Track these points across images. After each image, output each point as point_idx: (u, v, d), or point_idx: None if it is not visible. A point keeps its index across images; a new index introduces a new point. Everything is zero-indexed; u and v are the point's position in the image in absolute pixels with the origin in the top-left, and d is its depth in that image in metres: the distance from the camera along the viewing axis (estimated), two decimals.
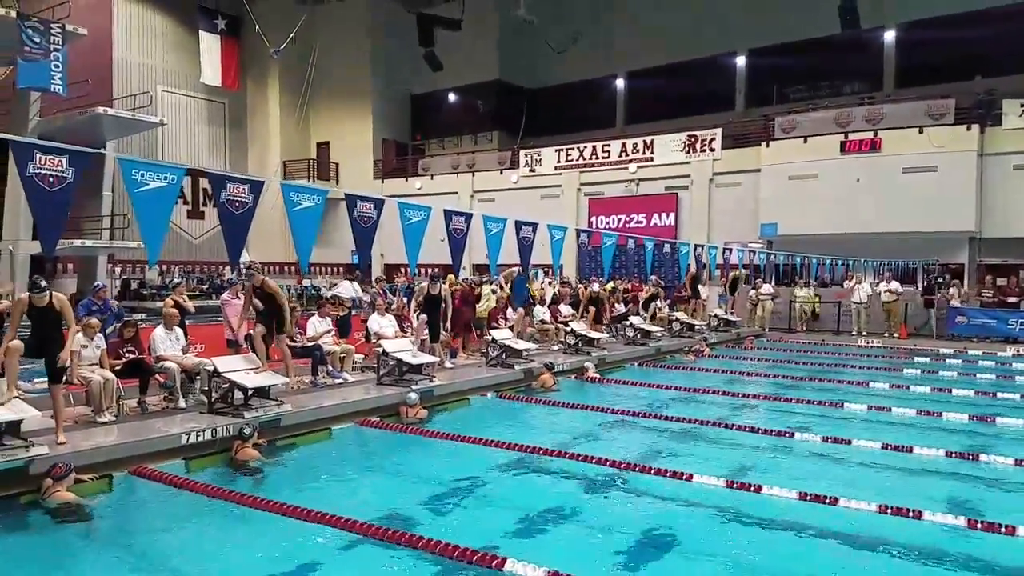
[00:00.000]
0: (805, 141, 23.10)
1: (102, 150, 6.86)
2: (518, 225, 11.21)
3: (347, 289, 14.33)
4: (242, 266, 9.57)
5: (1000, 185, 20.81)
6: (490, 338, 12.50)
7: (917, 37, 25.18)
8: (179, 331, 9.07)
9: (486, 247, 10.99)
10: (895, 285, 19.54)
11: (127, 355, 8.61)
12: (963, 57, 24.06)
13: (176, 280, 19.56)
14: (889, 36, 25.87)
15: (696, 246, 18.22)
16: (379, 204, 8.83)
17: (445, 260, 10.66)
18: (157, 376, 8.66)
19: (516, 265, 13.42)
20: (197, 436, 7.42)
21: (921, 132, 21.38)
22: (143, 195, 6.49)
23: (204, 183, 32.21)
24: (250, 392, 8.15)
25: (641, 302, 17.74)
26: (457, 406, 10.34)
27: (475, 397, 10.83)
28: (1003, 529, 5.56)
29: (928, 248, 21.52)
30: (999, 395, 11.53)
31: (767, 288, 21.33)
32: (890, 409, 10.24)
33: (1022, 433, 9.07)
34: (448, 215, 10.06)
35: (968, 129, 20.91)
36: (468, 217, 10.24)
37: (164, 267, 30.34)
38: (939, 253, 21.71)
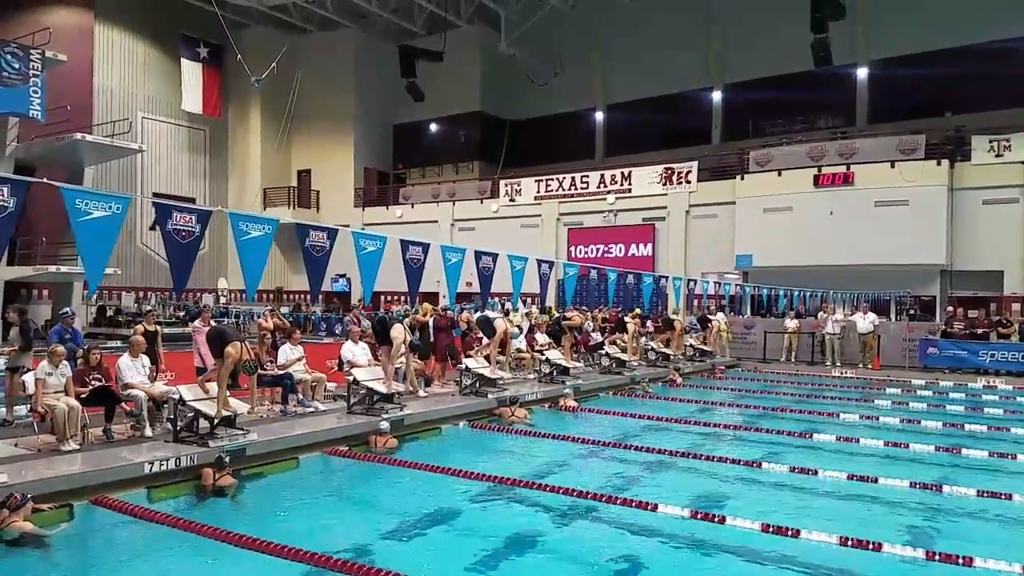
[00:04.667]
0: (779, 174, 23.46)
1: (44, 179, 6.68)
2: (478, 255, 11.12)
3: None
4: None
5: (970, 219, 21.19)
6: (463, 367, 12.48)
7: (889, 74, 25.77)
8: (145, 359, 9.02)
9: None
10: (872, 316, 19.74)
11: (94, 382, 8.53)
12: (933, 94, 24.75)
13: (148, 307, 19.39)
14: (862, 73, 26.44)
15: (660, 277, 18.27)
16: (332, 233, 8.77)
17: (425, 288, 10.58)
18: (124, 404, 8.58)
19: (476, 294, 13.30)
20: (161, 465, 7.34)
21: (893, 166, 21.79)
22: (85, 224, 6.45)
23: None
24: (215, 421, 8.09)
25: (609, 328, 17.85)
26: (429, 435, 10.30)
27: (447, 426, 10.79)
28: (960, 560, 5.60)
29: (900, 280, 21.83)
30: (967, 427, 11.62)
31: (719, 317, 21.44)
32: (859, 440, 10.30)
33: (986, 464, 9.16)
34: (405, 245, 9.98)
35: (938, 164, 21.34)
36: (426, 247, 10.19)
37: (140, 294, 30.16)
38: (911, 285, 22.03)
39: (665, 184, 26.22)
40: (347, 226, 9.23)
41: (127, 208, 6.74)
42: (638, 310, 18.96)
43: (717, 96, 29.38)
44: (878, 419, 12.24)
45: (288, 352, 10.80)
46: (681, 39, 28.91)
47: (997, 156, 20.86)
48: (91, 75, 26.95)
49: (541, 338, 15.57)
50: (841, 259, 22.08)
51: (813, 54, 21.97)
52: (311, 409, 10.38)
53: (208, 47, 31.55)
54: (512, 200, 29.62)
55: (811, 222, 22.51)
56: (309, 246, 8.48)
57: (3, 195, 5.92)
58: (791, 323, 21.26)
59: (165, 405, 8.68)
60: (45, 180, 6.42)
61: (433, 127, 35.01)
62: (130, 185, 29.73)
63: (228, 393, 8.37)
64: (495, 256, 11.31)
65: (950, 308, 20.68)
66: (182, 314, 26.14)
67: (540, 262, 12.64)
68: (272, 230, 7.98)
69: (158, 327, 10.30)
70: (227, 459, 7.42)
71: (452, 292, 10.33)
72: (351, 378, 10.41)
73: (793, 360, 20.76)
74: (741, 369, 19.91)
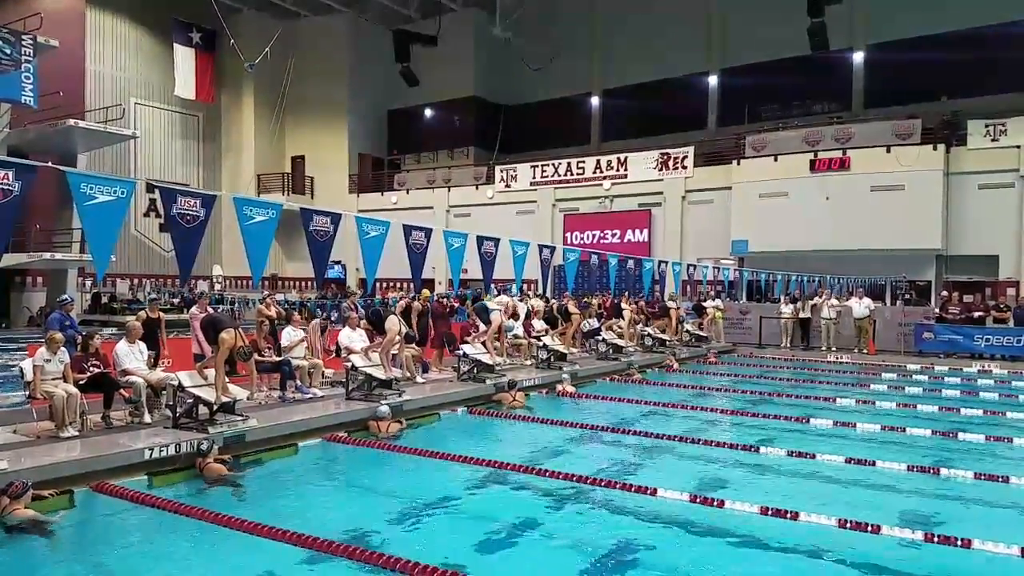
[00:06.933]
0: (775, 159, 23.45)
1: (48, 163, 6.70)
2: (480, 240, 11.08)
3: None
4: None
5: (966, 203, 21.26)
6: (461, 353, 12.48)
7: (885, 59, 25.72)
8: (142, 344, 8.99)
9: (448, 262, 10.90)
10: (868, 301, 19.80)
11: (92, 369, 8.50)
12: (929, 78, 24.67)
13: (153, 296, 19.27)
14: (858, 57, 26.40)
15: (660, 262, 18.27)
16: (336, 218, 8.73)
17: (425, 275, 10.57)
18: (122, 391, 8.56)
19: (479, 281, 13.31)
20: (160, 451, 7.33)
21: (889, 151, 21.81)
22: (92, 208, 6.43)
23: None
24: (215, 407, 8.08)
25: (605, 315, 17.85)
26: (427, 421, 10.31)
27: (445, 412, 10.80)
28: (959, 542, 5.64)
29: (896, 265, 21.90)
30: (963, 411, 11.69)
31: (714, 303, 21.50)
32: (855, 424, 10.35)
33: (982, 447, 9.23)
34: (408, 230, 9.93)
35: (934, 149, 21.37)
36: (428, 232, 10.17)
37: (135, 281, 30.09)
38: (907, 270, 22.08)
39: (661, 170, 26.20)
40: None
41: (132, 192, 6.72)
42: (627, 295, 18.97)
43: (713, 81, 29.32)
44: (874, 403, 12.30)
45: (291, 334, 10.83)
46: (677, 24, 28.84)
47: (993, 141, 20.90)
48: (83, 60, 26.71)
49: (538, 324, 15.56)
50: (837, 244, 22.14)
51: (810, 39, 21.94)
52: (309, 395, 10.39)
53: (201, 32, 31.31)
54: (507, 186, 29.57)
55: (807, 207, 22.54)
56: (313, 231, 8.45)
57: (8, 179, 5.87)
58: (787, 308, 21.31)
59: (163, 391, 8.66)
60: (49, 164, 6.37)
61: (428, 112, 34.85)
62: (123, 171, 29.55)
63: (227, 379, 8.35)
64: (496, 241, 11.28)
65: (945, 293, 20.75)
66: (176, 300, 26.08)
67: (541, 247, 12.63)
68: (276, 215, 7.97)
69: (160, 314, 10.27)
70: (207, 446, 7.39)
71: (456, 277, 10.32)
72: (349, 364, 10.40)
73: (789, 345, 20.85)
74: (737, 355, 19.96)
